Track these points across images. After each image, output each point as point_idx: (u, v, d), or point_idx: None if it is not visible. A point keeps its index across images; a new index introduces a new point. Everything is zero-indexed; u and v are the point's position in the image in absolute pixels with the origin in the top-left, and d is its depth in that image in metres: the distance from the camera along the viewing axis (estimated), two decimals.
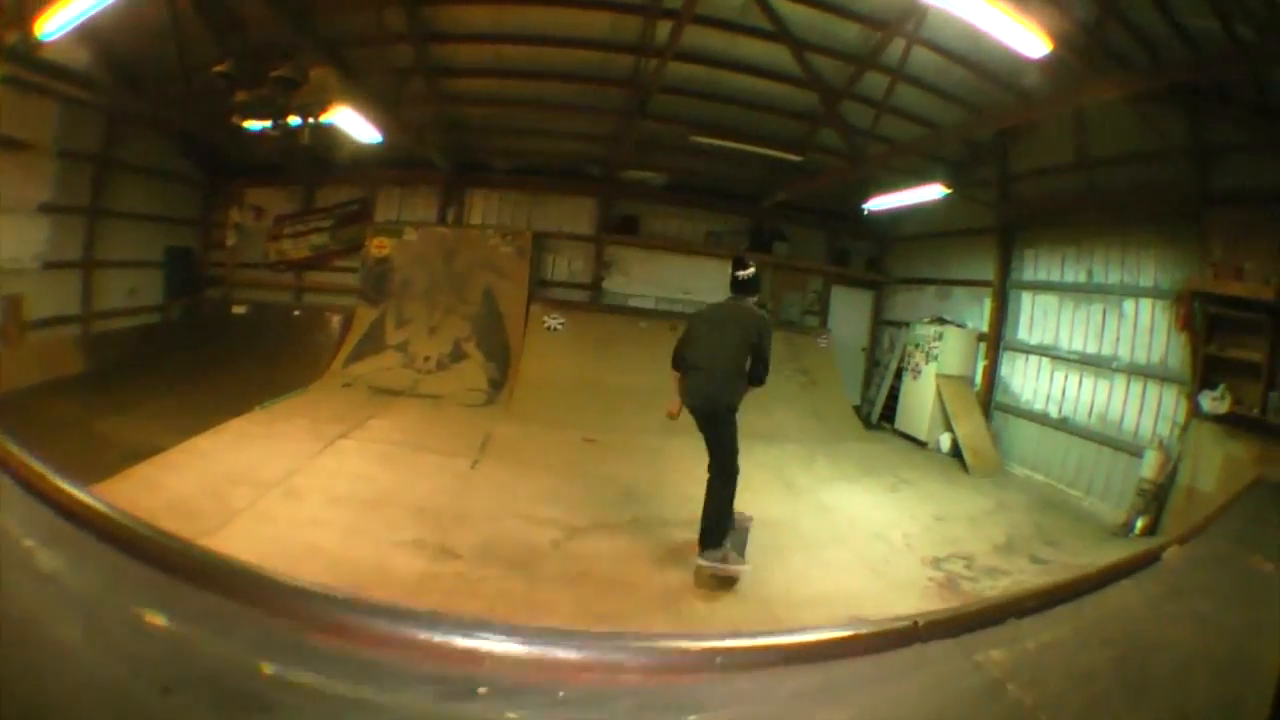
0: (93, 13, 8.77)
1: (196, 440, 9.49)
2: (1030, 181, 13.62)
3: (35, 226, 14.34)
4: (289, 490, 7.92)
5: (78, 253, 15.35)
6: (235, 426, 10.52)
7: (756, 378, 7.37)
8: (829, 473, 11.06)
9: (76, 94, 13.40)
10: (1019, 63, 9.21)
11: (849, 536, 8.23)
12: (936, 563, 7.72)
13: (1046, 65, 8.75)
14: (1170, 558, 2.61)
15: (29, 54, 10.49)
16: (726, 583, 6.51)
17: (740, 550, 6.93)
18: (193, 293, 18.42)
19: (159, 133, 16.62)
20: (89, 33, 11.93)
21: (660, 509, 8.23)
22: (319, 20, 10.73)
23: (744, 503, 7.74)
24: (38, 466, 2.33)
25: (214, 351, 16.38)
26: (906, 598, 6.59)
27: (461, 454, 10.06)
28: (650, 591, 6.11)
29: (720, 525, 6.80)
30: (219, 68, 10.47)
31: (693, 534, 6.86)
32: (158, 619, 1.70)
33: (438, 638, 1.63)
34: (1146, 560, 2.60)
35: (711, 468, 7.06)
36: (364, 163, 15.91)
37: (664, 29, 10.41)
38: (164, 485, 7.77)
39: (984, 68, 10.69)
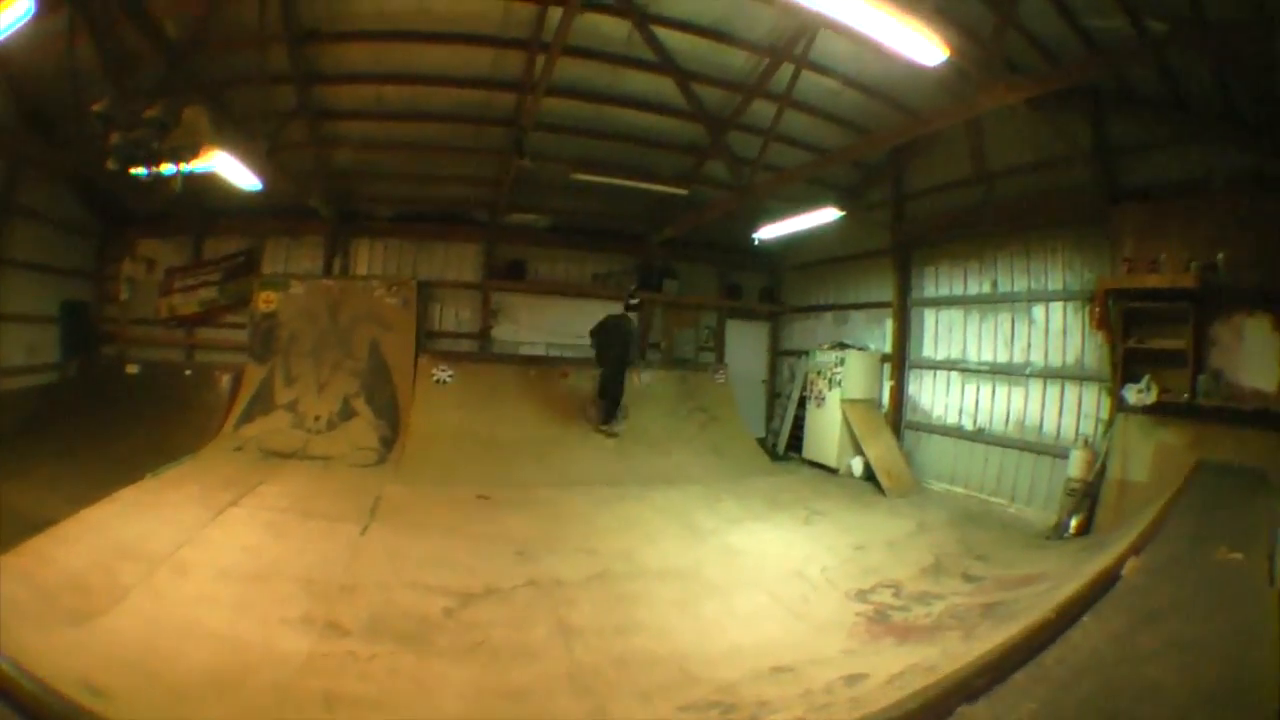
0: None
1: (88, 511, 9.13)
2: (927, 199, 13.89)
3: None
4: (177, 565, 7.58)
5: None
6: (126, 496, 10.13)
7: (633, 357, 14.17)
8: (736, 512, 10.75)
9: None
10: (911, 80, 9.38)
11: (762, 578, 7.85)
12: (862, 595, 7.37)
13: (939, 79, 8.91)
14: (1130, 572, 2.46)
15: None
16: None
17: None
18: (88, 350, 17.59)
19: (56, 178, 15.79)
20: None
21: (557, 567, 7.89)
22: (203, 59, 10.65)
23: (643, 553, 8.12)
24: None
25: (108, 414, 15.73)
26: (832, 638, 6.19)
27: (351, 519, 9.71)
28: (553, 661, 5.72)
29: (613, 413, 13.84)
30: (95, 106, 9.88)
31: (597, 598, 6.89)
32: None
33: None
34: (1105, 583, 2.41)
35: (610, 396, 14.05)
36: (250, 211, 15.65)
37: (555, 66, 10.22)
38: (56, 560, 7.55)
39: (875, 88, 10.96)
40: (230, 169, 11.27)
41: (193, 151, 10.01)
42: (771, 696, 4.92)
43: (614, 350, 14.60)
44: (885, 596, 7.29)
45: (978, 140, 11.92)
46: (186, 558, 7.80)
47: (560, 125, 12.30)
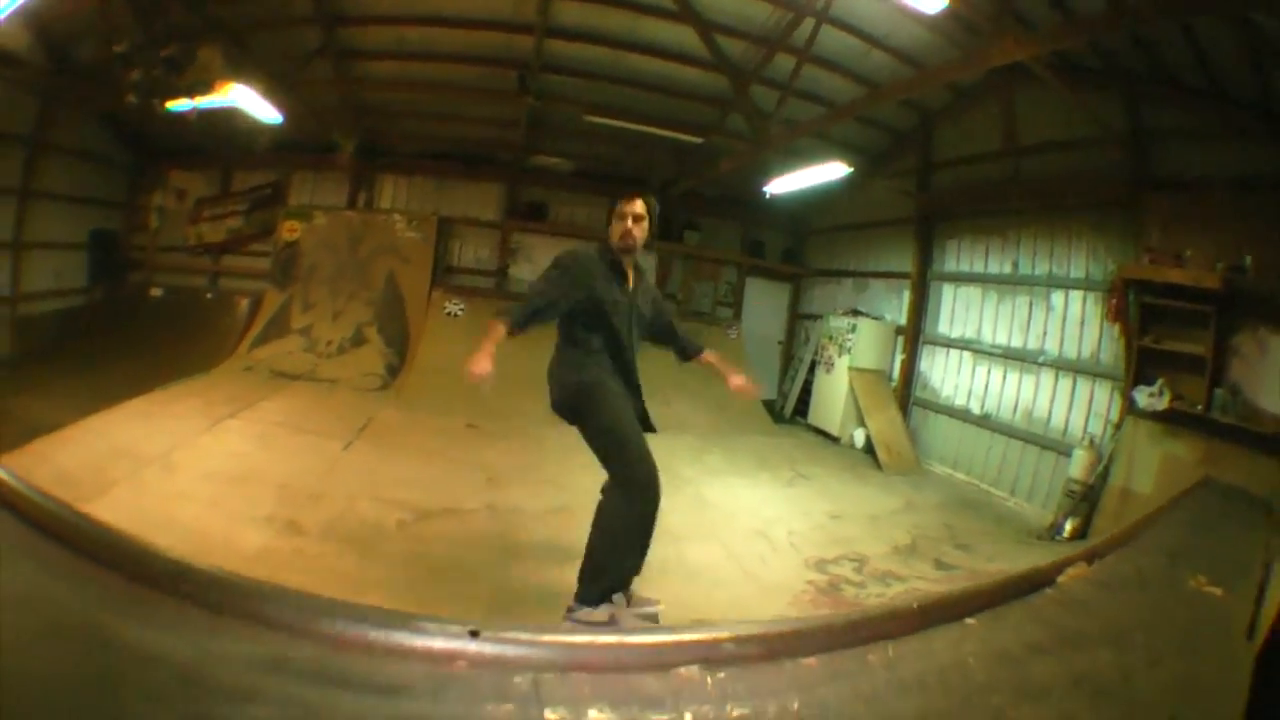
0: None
1: (92, 419, 9.58)
2: (953, 170, 13.60)
3: None
4: (166, 465, 8.01)
5: (9, 234, 15.51)
6: (132, 406, 10.60)
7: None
8: (721, 465, 10.91)
9: (12, 76, 13.62)
10: (930, 39, 9.56)
11: (724, 533, 7.95)
12: (821, 565, 7.32)
13: (958, 38, 9.12)
14: (1070, 580, 2.00)
15: None
16: None
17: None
18: (115, 276, 18.47)
19: (88, 115, 16.68)
20: (28, 16, 12.20)
21: (520, 497, 8.23)
22: (226, 4, 10.95)
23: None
24: None
25: (131, 335, 16.48)
26: (773, 603, 6.28)
27: (338, 436, 10.10)
28: (483, 583, 6.06)
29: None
30: (117, 47, 10.61)
31: (550, 527, 7.23)
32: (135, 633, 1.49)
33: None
34: (1029, 585, 1.93)
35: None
36: (279, 146, 16.13)
37: (564, 10, 10.67)
38: (53, 459, 7.90)
39: (897, 48, 10.91)
40: (251, 103, 11.80)
41: (207, 87, 10.60)
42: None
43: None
44: (845, 569, 7.27)
45: (1009, 113, 11.72)
46: (176, 459, 8.24)
47: (577, 69, 12.47)
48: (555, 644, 1.42)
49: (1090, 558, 2.18)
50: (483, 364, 5.24)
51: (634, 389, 6.03)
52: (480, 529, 7.23)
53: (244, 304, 16.45)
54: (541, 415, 11.40)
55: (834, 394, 14.41)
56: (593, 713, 1.24)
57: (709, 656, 1.42)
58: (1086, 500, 9.74)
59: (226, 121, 12.52)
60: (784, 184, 13.63)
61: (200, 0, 10.52)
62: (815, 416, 14.99)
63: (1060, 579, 1.97)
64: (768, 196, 14.60)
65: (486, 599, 5.75)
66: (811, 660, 1.48)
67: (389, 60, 13.41)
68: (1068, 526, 9.69)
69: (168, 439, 8.82)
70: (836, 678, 1.46)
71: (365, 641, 1.34)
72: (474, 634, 1.34)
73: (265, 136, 14.55)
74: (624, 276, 5.88)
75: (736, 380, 6.17)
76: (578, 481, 8.29)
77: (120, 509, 6.44)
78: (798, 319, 18.39)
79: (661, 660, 1.39)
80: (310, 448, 9.54)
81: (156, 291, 17.88)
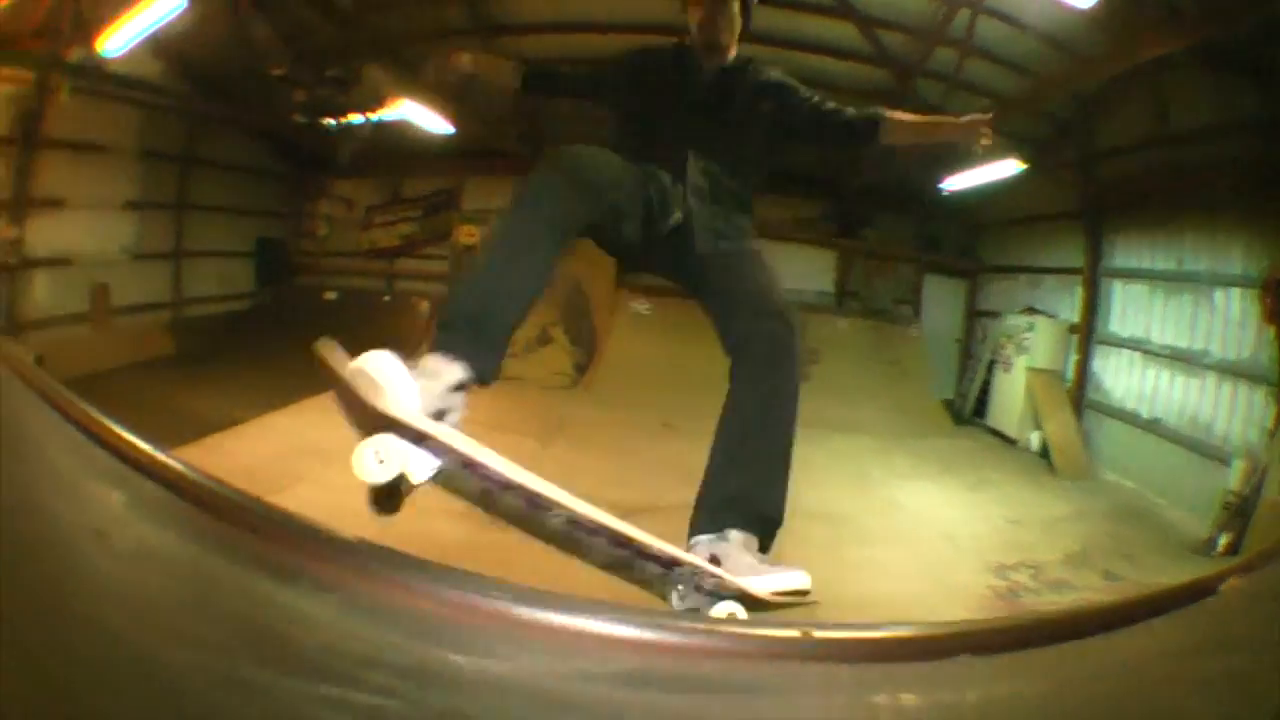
0: (150, 32, 9.84)
1: (271, 415, 10.19)
2: (1118, 160, 13.05)
3: (122, 222, 15.79)
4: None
5: (170, 244, 16.87)
6: (314, 403, 10.56)
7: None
8: (907, 468, 11.03)
9: (152, 100, 14.95)
10: (1083, 25, 9.32)
11: (913, 536, 8.18)
12: (1002, 570, 7.55)
13: (1110, 25, 8.93)
14: (1228, 591, 1.96)
15: (97, 68, 11.71)
16: None
17: None
18: (282, 280, 19.85)
19: (242, 132, 18.07)
20: (159, 45, 13.01)
21: None
22: (378, 21, 11.51)
23: (806, 495, 8.11)
24: (122, 433, 2.73)
25: (305, 336, 17.03)
26: (957, 606, 6.45)
27: (535, 434, 10.31)
28: None
29: None
30: (276, 71, 11.47)
31: None
32: (288, 597, 1.70)
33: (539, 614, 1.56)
34: (1196, 593, 1.95)
35: None
36: (449, 154, 16.84)
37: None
38: (234, 453, 8.42)
39: (1052, 35, 10.68)
40: (420, 116, 12.35)
41: (377, 103, 11.31)
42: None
43: None
44: (1023, 576, 7.48)
45: (1159, 98, 11.22)
46: None
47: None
48: (866, 640, 1.61)
49: (1247, 569, 2.28)
50: (463, 58, 4.09)
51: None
52: (680, 526, 7.30)
53: (424, 305, 17.27)
54: None
55: (1012, 395, 14.22)
56: (905, 696, 1.44)
57: (978, 645, 1.57)
58: (1241, 514, 9.32)
59: (396, 133, 13.18)
60: (960, 180, 13.63)
61: (353, 19, 11.04)
62: (993, 418, 14.77)
63: (1221, 588, 2.01)
64: (944, 193, 14.61)
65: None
66: (1049, 651, 1.63)
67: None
68: (1221, 541, 9.34)
69: (356, 435, 9.08)
70: (1061, 666, 1.65)
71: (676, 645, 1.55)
72: (804, 633, 1.52)
73: (436, 146, 15.23)
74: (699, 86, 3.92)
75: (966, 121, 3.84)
76: None
77: (305, 504, 6.54)
78: (975, 316, 17.89)
79: (943, 650, 1.55)
80: (508, 445, 9.47)
81: (330, 294, 18.91)
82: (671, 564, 2.34)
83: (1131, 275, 13.16)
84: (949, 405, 16.03)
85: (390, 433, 2.16)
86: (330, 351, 2.37)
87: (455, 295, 3.05)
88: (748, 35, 4.13)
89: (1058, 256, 14.88)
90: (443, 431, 2.19)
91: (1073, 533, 9.19)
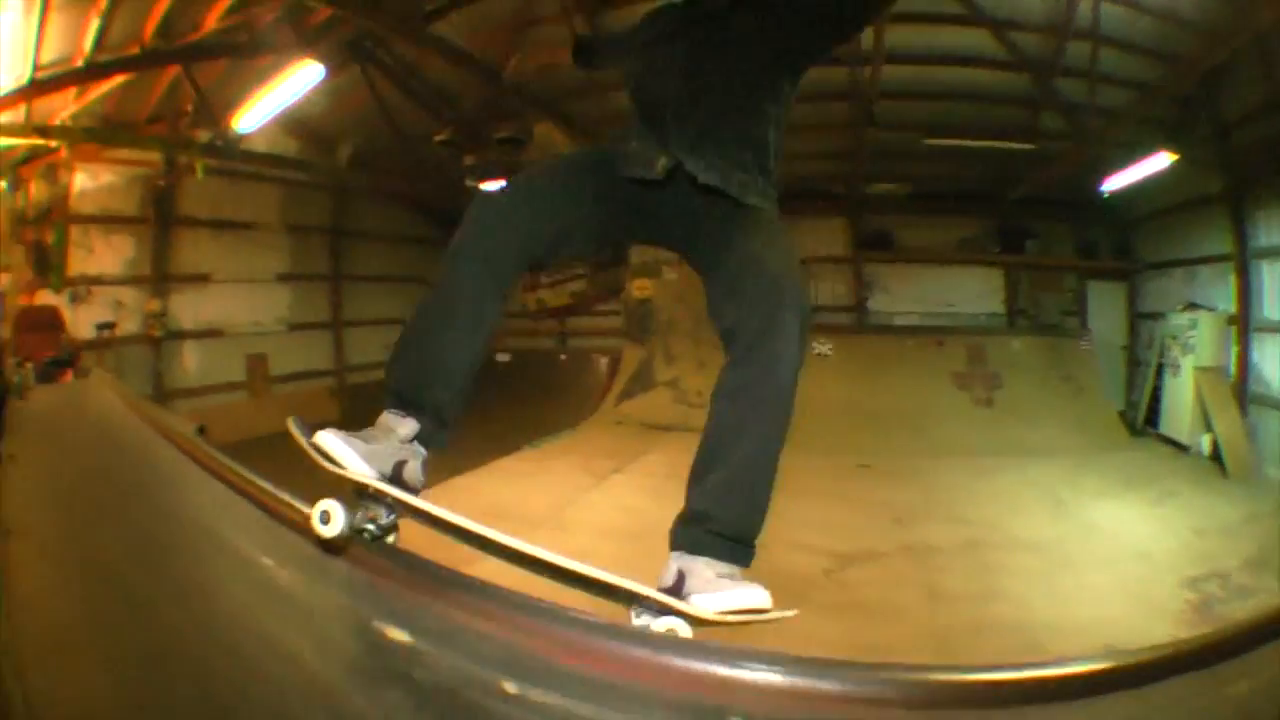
0: (283, 108, 10.22)
1: (458, 478, 10.12)
2: (1245, 129, 12.47)
3: (275, 293, 16.72)
4: (559, 524, 8.51)
5: (327, 314, 17.88)
6: (502, 465, 11.33)
7: None
8: (1096, 487, 10.95)
9: (292, 176, 15.99)
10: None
11: (1112, 557, 8.19)
12: (1193, 583, 7.56)
13: None
14: None
15: (232, 146, 12.25)
16: None
17: None
18: None
19: (393, 201, 19.13)
20: (296, 123, 13.97)
21: (931, 534, 8.43)
22: (529, 82, 11.78)
23: (1011, 524, 8.66)
24: (278, 493, 2.81)
25: (479, 398, 17.72)
26: (1162, 624, 6.49)
27: None
28: (917, 623, 6.27)
29: None
30: (439, 136, 11.77)
31: (966, 566, 7.41)
32: (398, 634, 2.06)
33: (691, 664, 1.70)
34: None
35: None
36: None
37: (892, 34, 10.71)
38: (407, 525, 8.63)
39: (1173, 12, 10.56)
40: None
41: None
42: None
43: None
44: (1213, 587, 7.48)
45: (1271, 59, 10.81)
46: (568, 518, 8.78)
47: (898, 90, 12.54)
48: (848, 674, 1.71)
49: None
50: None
51: None
52: (901, 571, 7.47)
53: (603, 362, 17.82)
54: (930, 450, 11.73)
55: (1181, 398, 13.79)
56: None
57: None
58: None
59: None
60: (1119, 179, 13.38)
61: (517, 83, 11.32)
62: (1165, 425, 14.29)
63: None
64: (1105, 195, 14.39)
65: (937, 643, 5.93)
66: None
67: None
68: None
69: (553, 496, 9.31)
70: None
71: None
72: (761, 661, 1.63)
73: None
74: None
75: None
76: (979, 515, 8.83)
77: (510, 578, 6.62)
78: (1137, 319, 17.14)
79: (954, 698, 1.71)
80: None
81: (503, 356, 19.32)
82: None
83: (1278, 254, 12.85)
84: (1120, 416, 15.60)
85: (341, 496, 2.44)
86: (296, 426, 2.60)
87: (394, 366, 2.92)
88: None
89: (1208, 244, 14.38)
90: (387, 488, 2.51)
91: (1248, 536, 9.13)
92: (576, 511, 9.07)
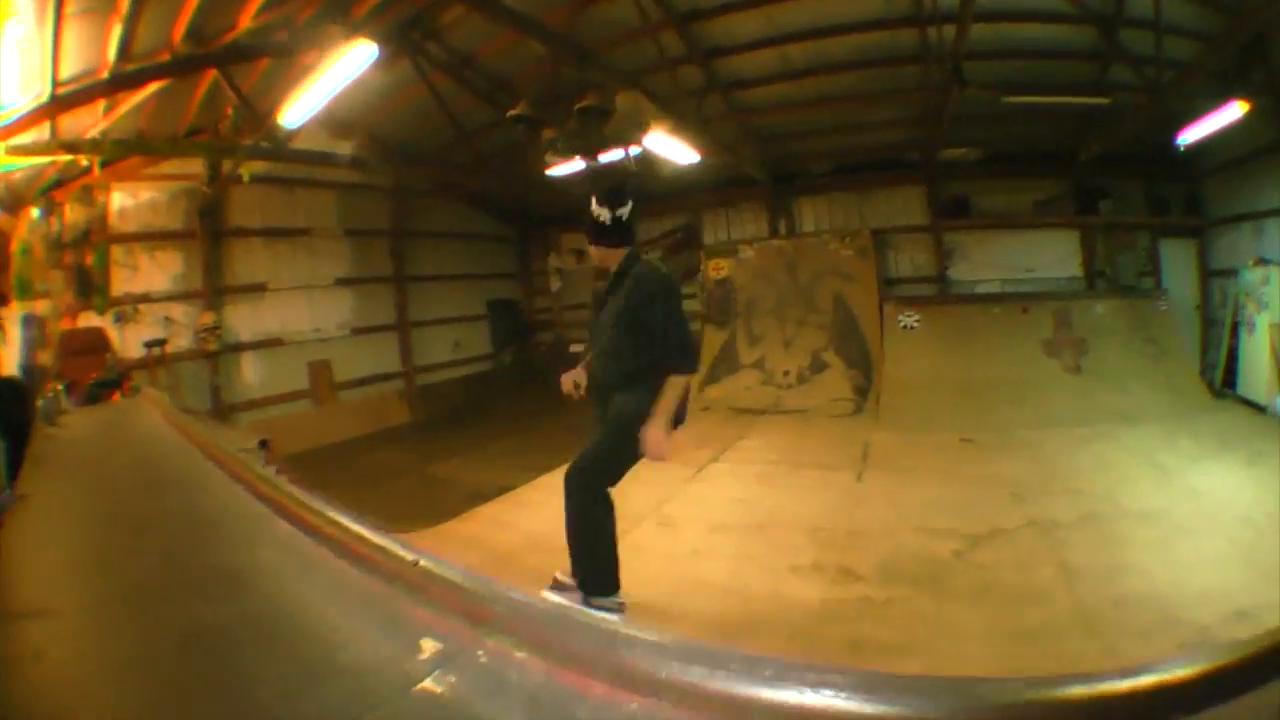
0: (335, 93, 9.61)
1: (547, 477, 9.96)
2: None
3: (336, 298, 16.97)
4: (662, 519, 8.33)
5: (392, 317, 18.16)
6: None
7: (661, 359, 5.48)
8: (1194, 451, 10.76)
9: (346, 179, 16.29)
10: None
11: (1220, 522, 7.97)
12: None
13: None
14: None
15: (281, 146, 12.18)
16: None
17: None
18: (520, 339, 21.35)
19: (453, 199, 19.57)
20: (347, 125, 14.16)
21: (1050, 508, 8.24)
22: (600, 56, 11.65)
23: (1122, 494, 8.54)
24: (317, 506, 3.08)
25: (554, 391, 17.68)
26: (1274, 586, 6.23)
27: (842, 467, 10.38)
28: (1059, 603, 6.12)
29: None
30: (513, 111, 11.47)
31: (1090, 539, 7.29)
32: (432, 645, 2.07)
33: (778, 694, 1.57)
34: None
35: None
36: (679, 190, 17.71)
37: None
38: (516, 522, 8.43)
39: None
40: (668, 147, 12.50)
41: (641, 130, 11.22)
42: (1243, 637, 5.28)
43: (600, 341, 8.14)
44: None
45: None
46: (671, 513, 8.57)
47: (970, 51, 11.75)
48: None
49: None
50: (663, 446, 5.22)
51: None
52: (1032, 548, 7.29)
53: None
54: (1029, 421, 11.70)
55: (1258, 357, 13.55)
56: None
57: None
58: None
59: (643, 167, 13.34)
60: (1194, 131, 13.00)
61: (588, 55, 11.17)
62: (1244, 385, 14.07)
63: None
64: (1181, 149, 13.99)
65: (1081, 622, 5.81)
66: None
67: (780, 83, 14.15)
68: None
69: (650, 491, 8.77)
70: None
71: None
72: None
73: (665, 183, 15.96)
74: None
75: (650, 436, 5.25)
76: (1091, 486, 8.77)
77: (629, 574, 6.06)
78: (1209, 276, 16.69)
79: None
80: (820, 483, 9.78)
81: (578, 347, 19.28)
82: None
83: None
84: (1200, 377, 15.21)
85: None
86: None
87: (594, 576, 5.59)
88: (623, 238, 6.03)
89: (1275, 195, 14.11)
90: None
91: None
92: (681, 505, 8.87)
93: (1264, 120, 12.70)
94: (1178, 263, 17.09)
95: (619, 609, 5.42)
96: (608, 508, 5.53)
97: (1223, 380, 14.87)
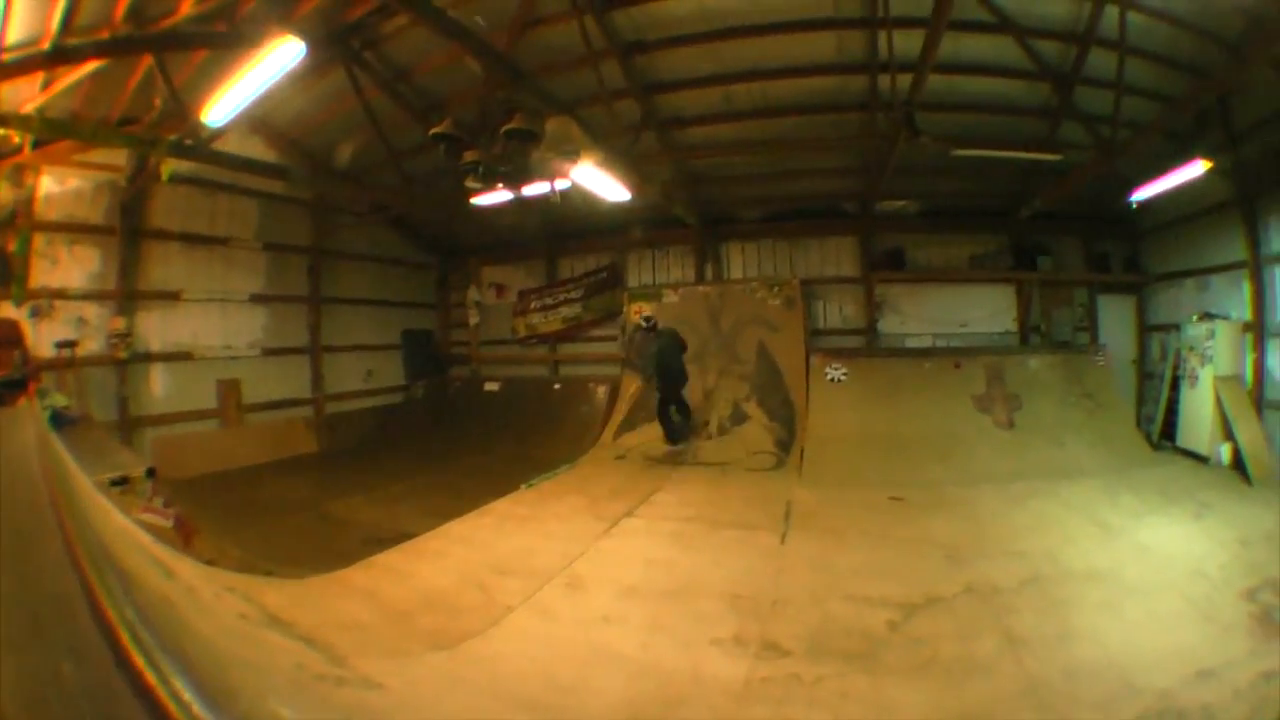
0: (252, 100, 9.42)
1: (452, 524, 9.73)
2: (1259, 136, 12.73)
3: (249, 315, 16.34)
4: (572, 580, 7.87)
5: (305, 339, 17.44)
6: (498, 508, 10.77)
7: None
8: (1136, 506, 10.72)
9: (269, 188, 15.76)
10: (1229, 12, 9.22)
11: (1171, 578, 7.90)
12: (1251, 594, 7.38)
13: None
14: None
15: (203, 146, 11.69)
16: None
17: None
18: (434, 372, 20.71)
19: (378, 221, 18.97)
20: (276, 132, 14.07)
21: (989, 572, 8.00)
22: (537, 80, 11.23)
23: (1065, 554, 8.42)
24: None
25: (464, 429, 17.97)
26: (1236, 639, 6.30)
27: (764, 526, 9.95)
28: (1006, 676, 5.80)
29: (679, 433, 15.17)
30: (436, 129, 10.82)
31: (1035, 604, 7.09)
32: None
33: None
34: None
35: (686, 412, 15.35)
36: (603, 229, 17.62)
37: (908, 39, 10.30)
38: (415, 575, 7.97)
39: (1202, 26, 10.60)
40: (597, 182, 12.09)
41: (570, 161, 10.73)
42: (1211, 700, 5.18)
43: (669, 378, 15.08)
44: (1269, 596, 7.28)
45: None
46: (581, 572, 8.10)
47: (927, 100, 11.70)
48: None
49: None
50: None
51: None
52: (973, 616, 6.96)
53: (601, 391, 17.58)
54: (960, 478, 11.50)
55: (1199, 410, 13.85)
56: None
57: None
58: None
59: (548, 210, 13.01)
60: (1149, 189, 13.33)
61: (523, 76, 10.67)
62: (1184, 437, 14.32)
63: None
64: (1133, 206, 14.40)
65: (1031, 696, 5.52)
66: None
67: (719, 123, 13.97)
68: None
69: (561, 546, 8.73)
70: None
71: None
72: None
73: (589, 221, 16.01)
74: None
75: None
76: (1032, 546, 8.56)
77: (529, 641, 6.22)
78: (1147, 331, 17.15)
79: None
80: (741, 544, 9.29)
81: (492, 385, 19.28)
82: None
83: None
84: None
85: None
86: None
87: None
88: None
89: (1221, 252, 14.54)
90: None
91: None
92: (592, 565, 8.42)
93: (1215, 179, 12.91)
94: (1115, 318, 17.39)
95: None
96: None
97: (1161, 432, 15.15)
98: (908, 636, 6.57)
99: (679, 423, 15.31)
